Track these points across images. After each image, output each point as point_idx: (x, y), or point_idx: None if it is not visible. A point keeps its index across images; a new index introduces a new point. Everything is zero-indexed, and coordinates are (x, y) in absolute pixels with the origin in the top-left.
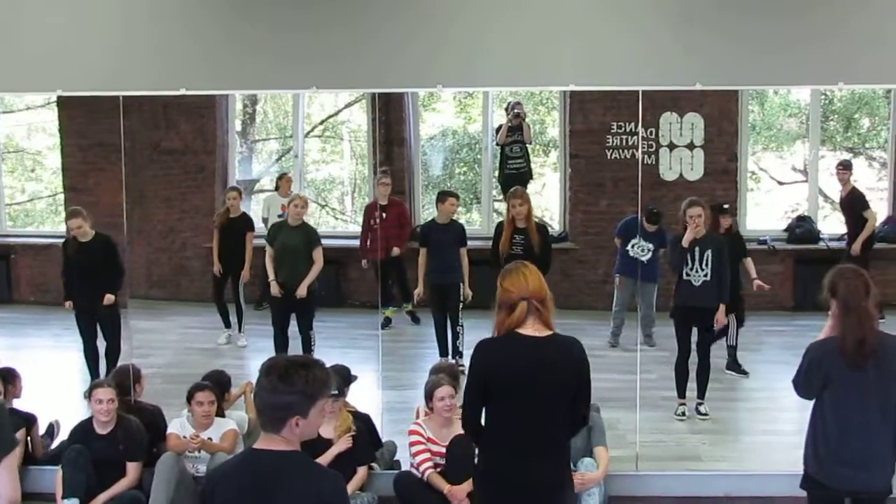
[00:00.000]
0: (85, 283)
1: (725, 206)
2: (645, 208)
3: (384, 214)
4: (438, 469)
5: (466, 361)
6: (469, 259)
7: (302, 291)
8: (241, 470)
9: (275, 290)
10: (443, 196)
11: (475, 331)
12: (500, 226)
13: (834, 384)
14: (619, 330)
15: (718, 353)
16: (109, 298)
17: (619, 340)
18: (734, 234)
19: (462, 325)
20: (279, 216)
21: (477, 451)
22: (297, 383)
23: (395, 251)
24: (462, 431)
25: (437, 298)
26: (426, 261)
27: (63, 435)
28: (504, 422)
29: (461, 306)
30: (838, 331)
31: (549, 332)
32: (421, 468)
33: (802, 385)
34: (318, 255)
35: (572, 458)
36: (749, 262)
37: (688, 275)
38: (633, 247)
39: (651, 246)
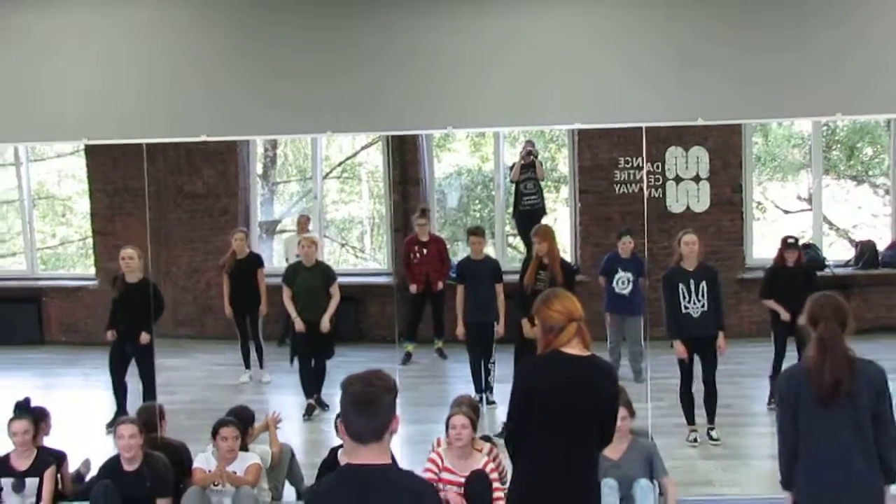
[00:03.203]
0: (126, 321)
1: (790, 239)
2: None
3: (424, 250)
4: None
5: (497, 397)
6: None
7: (325, 325)
8: (345, 489)
9: (300, 325)
10: (467, 233)
11: (507, 366)
12: (527, 261)
13: (805, 414)
14: (616, 365)
15: (723, 379)
16: (145, 338)
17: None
18: (805, 267)
19: (494, 362)
20: (297, 256)
21: (513, 465)
22: (383, 385)
23: (440, 285)
24: (480, 466)
25: (473, 336)
26: (464, 297)
27: (94, 472)
28: (543, 436)
29: (494, 344)
30: (813, 367)
31: (589, 353)
32: None
33: (781, 437)
34: (335, 290)
35: (627, 483)
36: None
37: (686, 307)
38: (616, 282)
39: (630, 276)
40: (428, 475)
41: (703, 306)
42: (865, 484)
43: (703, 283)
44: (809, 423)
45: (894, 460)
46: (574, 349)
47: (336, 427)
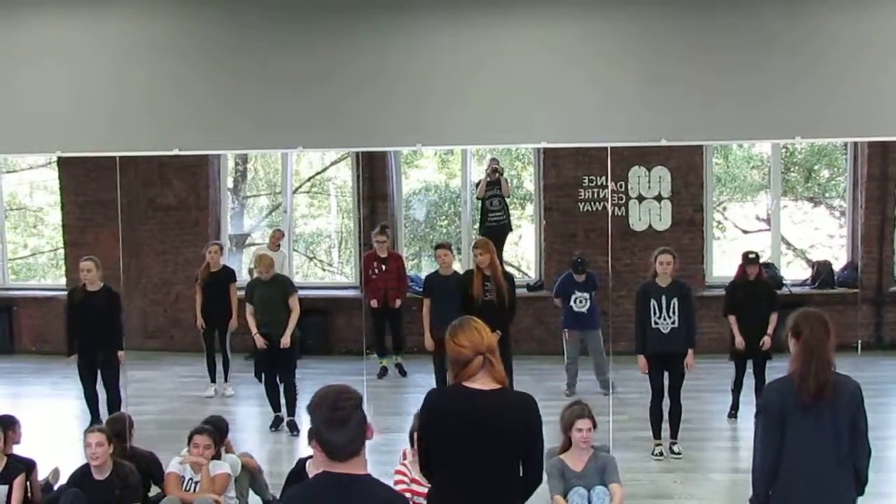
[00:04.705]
0: (87, 331)
1: (752, 255)
2: (571, 260)
3: (383, 266)
4: None
5: None
6: None
7: (286, 342)
8: (322, 493)
9: (260, 342)
10: (435, 248)
11: None
12: (468, 273)
13: (790, 424)
14: (573, 380)
15: (683, 394)
16: (121, 356)
17: (574, 391)
18: (764, 282)
19: None
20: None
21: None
22: (350, 404)
23: (397, 303)
24: None
25: (440, 350)
26: (430, 311)
27: (63, 480)
28: (448, 473)
29: None
30: (799, 372)
31: (498, 387)
32: None
33: (762, 448)
34: (294, 302)
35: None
36: (773, 317)
37: (656, 323)
38: (574, 301)
39: (587, 295)
40: (400, 487)
41: (672, 322)
42: (842, 496)
43: (675, 300)
44: (794, 434)
45: (866, 471)
46: (479, 383)
47: (309, 438)
